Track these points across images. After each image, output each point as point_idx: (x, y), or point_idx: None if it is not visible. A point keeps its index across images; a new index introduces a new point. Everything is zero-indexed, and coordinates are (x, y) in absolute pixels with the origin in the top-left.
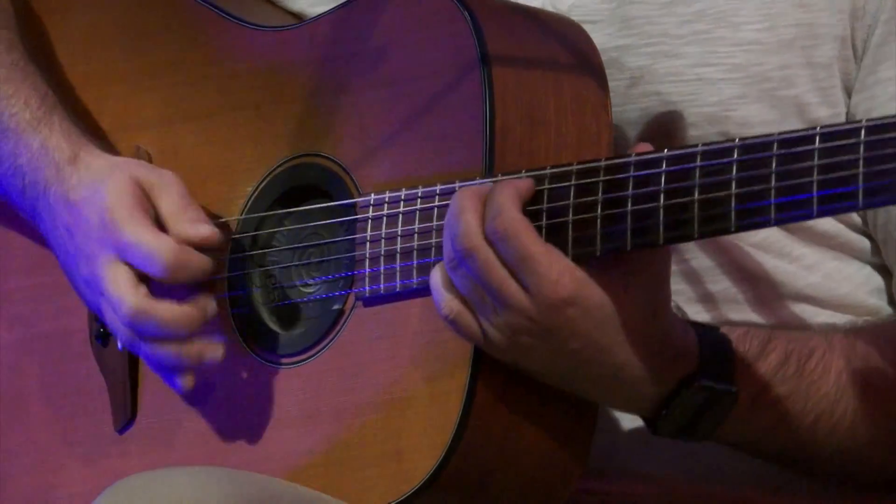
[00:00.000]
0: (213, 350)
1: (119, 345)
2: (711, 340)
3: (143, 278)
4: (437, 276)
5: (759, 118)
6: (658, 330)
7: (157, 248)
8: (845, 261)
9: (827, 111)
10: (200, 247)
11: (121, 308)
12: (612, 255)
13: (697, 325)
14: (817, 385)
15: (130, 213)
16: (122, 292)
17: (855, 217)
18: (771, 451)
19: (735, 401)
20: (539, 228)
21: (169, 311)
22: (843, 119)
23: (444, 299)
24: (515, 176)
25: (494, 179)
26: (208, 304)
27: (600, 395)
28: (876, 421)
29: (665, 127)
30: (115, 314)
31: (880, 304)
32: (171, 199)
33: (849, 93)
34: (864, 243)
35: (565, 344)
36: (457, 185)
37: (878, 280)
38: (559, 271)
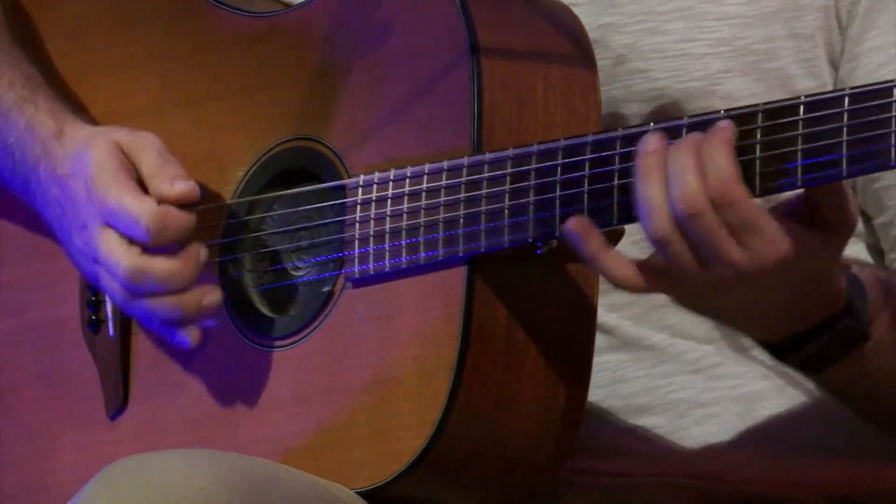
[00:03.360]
0: (210, 295)
1: (110, 329)
2: (854, 283)
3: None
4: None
5: (744, 91)
6: (831, 278)
7: (139, 213)
8: None
9: (811, 82)
10: (182, 203)
11: (117, 270)
12: (812, 212)
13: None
14: None
15: (114, 178)
16: (116, 254)
17: None
18: (862, 389)
19: (867, 340)
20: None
21: (164, 263)
22: (828, 90)
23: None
24: (640, 128)
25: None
26: (200, 252)
27: (747, 326)
28: None
29: (651, 104)
30: (113, 277)
31: None
32: (149, 159)
33: (833, 63)
34: None
35: (761, 293)
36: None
37: (864, 258)
38: (779, 232)
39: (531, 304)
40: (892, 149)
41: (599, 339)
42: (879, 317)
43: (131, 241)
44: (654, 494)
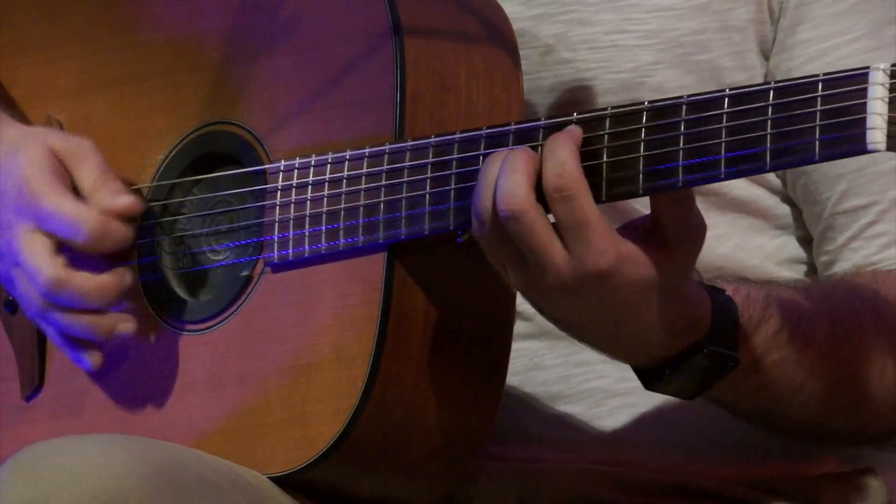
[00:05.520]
0: (125, 323)
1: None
2: (720, 306)
3: (60, 249)
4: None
5: (675, 83)
6: (682, 300)
7: (80, 217)
8: (758, 229)
9: (742, 75)
10: (121, 217)
11: (38, 277)
12: (654, 226)
13: (711, 290)
14: (804, 351)
15: (49, 183)
16: (40, 262)
17: (773, 179)
18: (749, 409)
19: (736, 366)
20: None
21: (87, 280)
22: (758, 82)
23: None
24: (562, 119)
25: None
26: (125, 276)
27: (608, 349)
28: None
29: (579, 94)
30: (31, 284)
31: (790, 276)
32: (89, 170)
33: (765, 55)
34: (783, 209)
35: (592, 306)
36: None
37: (792, 250)
38: (608, 243)
39: (450, 293)
40: (817, 143)
41: (518, 326)
42: (755, 337)
43: (58, 250)
44: (569, 480)
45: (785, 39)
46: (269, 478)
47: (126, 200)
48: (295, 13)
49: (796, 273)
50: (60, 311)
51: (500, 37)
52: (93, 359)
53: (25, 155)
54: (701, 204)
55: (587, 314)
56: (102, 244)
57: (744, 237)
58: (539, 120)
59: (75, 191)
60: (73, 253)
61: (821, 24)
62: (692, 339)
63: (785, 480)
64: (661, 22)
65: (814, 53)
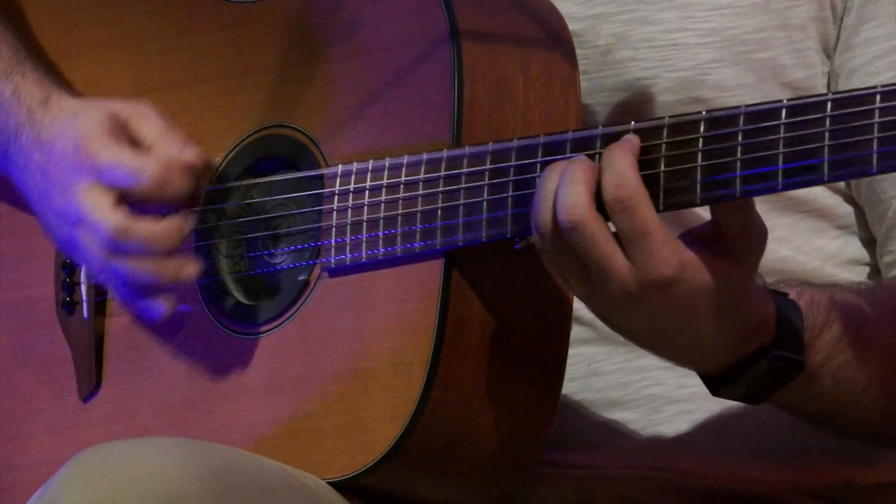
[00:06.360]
0: (189, 266)
1: (84, 310)
2: (785, 311)
3: (121, 201)
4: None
5: (734, 81)
6: (746, 305)
7: (142, 165)
8: (819, 230)
9: (802, 73)
10: (184, 170)
11: (101, 228)
12: (715, 234)
13: (775, 295)
14: (868, 354)
15: (107, 139)
16: (102, 213)
17: None
18: (812, 412)
19: (801, 370)
20: None
21: (149, 227)
22: (819, 80)
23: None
24: (619, 128)
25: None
26: (185, 221)
27: (671, 356)
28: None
29: (638, 93)
30: (94, 236)
31: (852, 278)
32: (151, 125)
33: (827, 53)
34: (844, 209)
35: (655, 313)
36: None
37: (854, 251)
38: (670, 251)
39: (507, 300)
40: (875, 155)
41: (577, 331)
42: (819, 341)
43: (118, 201)
44: (624, 487)
45: (849, 38)
46: (326, 482)
47: (192, 151)
48: (353, 17)
49: (858, 275)
50: (124, 258)
51: (557, 40)
52: (165, 303)
53: (84, 117)
54: (760, 205)
55: (651, 322)
56: (166, 189)
57: (804, 239)
58: (597, 129)
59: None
60: (133, 205)
61: (885, 23)
62: (757, 344)
63: (842, 488)
64: (721, 20)
65: (879, 52)
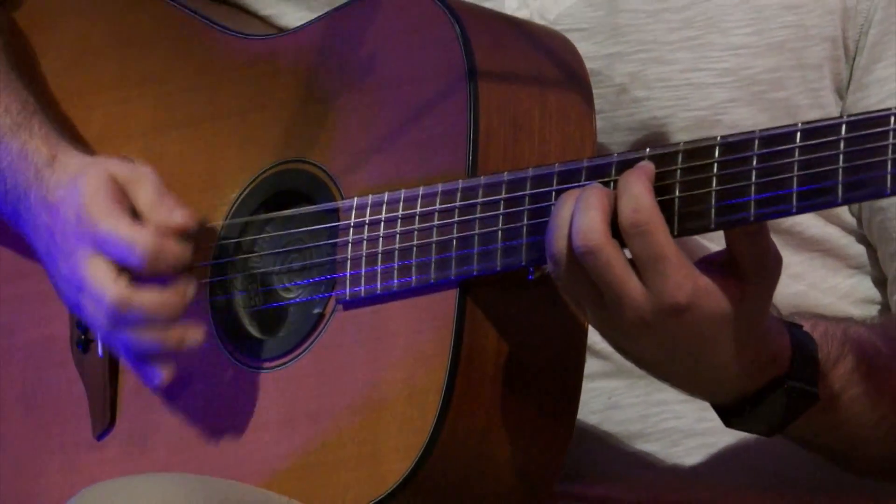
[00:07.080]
0: (193, 333)
1: (99, 349)
2: (799, 342)
3: (123, 270)
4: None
5: (749, 121)
6: (761, 335)
7: (135, 238)
8: (833, 269)
9: (817, 113)
10: (178, 236)
11: (103, 299)
12: (730, 260)
13: (789, 326)
14: (881, 388)
15: (107, 207)
16: (103, 285)
17: (848, 218)
18: (824, 445)
19: (816, 402)
20: None
21: (150, 297)
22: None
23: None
24: (635, 155)
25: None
26: (188, 288)
27: (686, 386)
28: None
29: (653, 132)
30: (97, 307)
31: (865, 316)
32: (147, 192)
33: (839, 93)
34: (857, 248)
35: (671, 341)
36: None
37: (866, 290)
38: (685, 275)
39: (521, 330)
40: (889, 176)
41: (595, 365)
42: (833, 373)
43: (120, 271)
44: None
45: (861, 78)
46: None
47: (180, 215)
48: (370, 53)
49: (870, 314)
50: (128, 329)
51: (573, 78)
52: (164, 372)
53: (85, 182)
54: (775, 243)
55: (666, 350)
56: (158, 264)
57: (818, 276)
58: (612, 155)
59: (136, 218)
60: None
61: None
62: (772, 374)
63: None
64: (737, 60)
65: (892, 91)
